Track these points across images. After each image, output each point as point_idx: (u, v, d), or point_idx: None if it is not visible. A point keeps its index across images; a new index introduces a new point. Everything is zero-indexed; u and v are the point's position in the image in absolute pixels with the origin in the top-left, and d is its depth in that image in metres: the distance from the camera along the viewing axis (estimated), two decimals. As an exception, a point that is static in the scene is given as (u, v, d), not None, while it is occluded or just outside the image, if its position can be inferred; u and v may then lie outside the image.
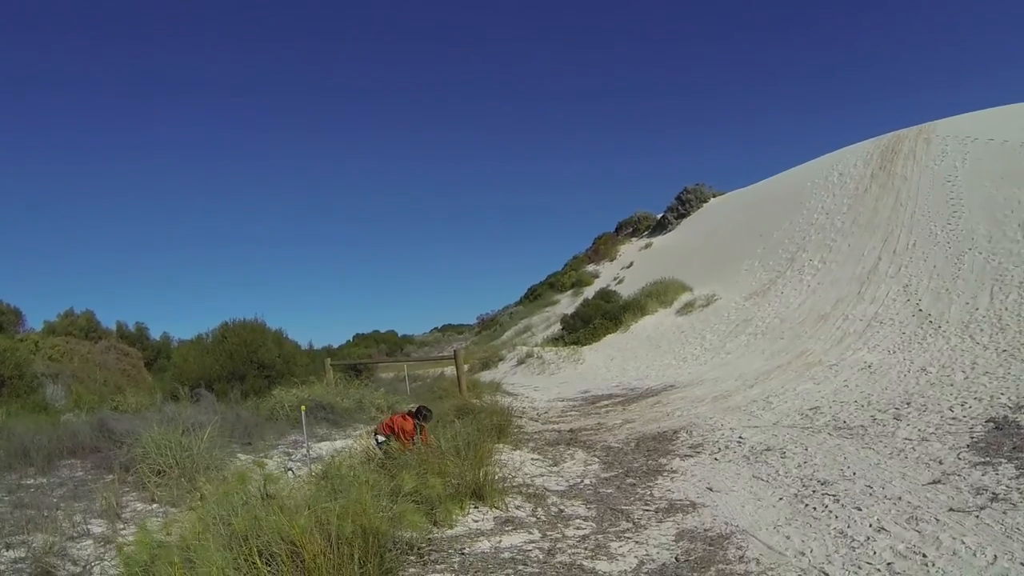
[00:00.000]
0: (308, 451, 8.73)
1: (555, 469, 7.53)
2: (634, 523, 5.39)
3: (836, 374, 10.64)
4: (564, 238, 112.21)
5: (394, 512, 4.68)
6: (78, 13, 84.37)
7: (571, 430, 9.95)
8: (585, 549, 4.81)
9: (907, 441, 6.68)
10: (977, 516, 4.59)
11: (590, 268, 35.58)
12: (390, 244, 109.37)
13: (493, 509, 5.76)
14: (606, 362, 18.29)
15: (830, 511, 5.14)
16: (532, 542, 5.01)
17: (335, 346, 31.86)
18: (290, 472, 8.01)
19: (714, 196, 34.43)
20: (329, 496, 4.66)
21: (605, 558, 4.63)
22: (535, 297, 37.12)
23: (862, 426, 7.58)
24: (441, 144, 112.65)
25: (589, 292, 29.39)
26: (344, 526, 4.10)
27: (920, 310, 12.47)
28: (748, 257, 22.12)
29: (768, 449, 7.29)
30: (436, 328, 53.36)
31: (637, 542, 4.92)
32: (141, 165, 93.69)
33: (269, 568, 3.96)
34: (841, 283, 16.08)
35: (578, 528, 5.33)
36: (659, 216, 36.39)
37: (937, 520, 4.63)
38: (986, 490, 5.05)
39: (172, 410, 9.59)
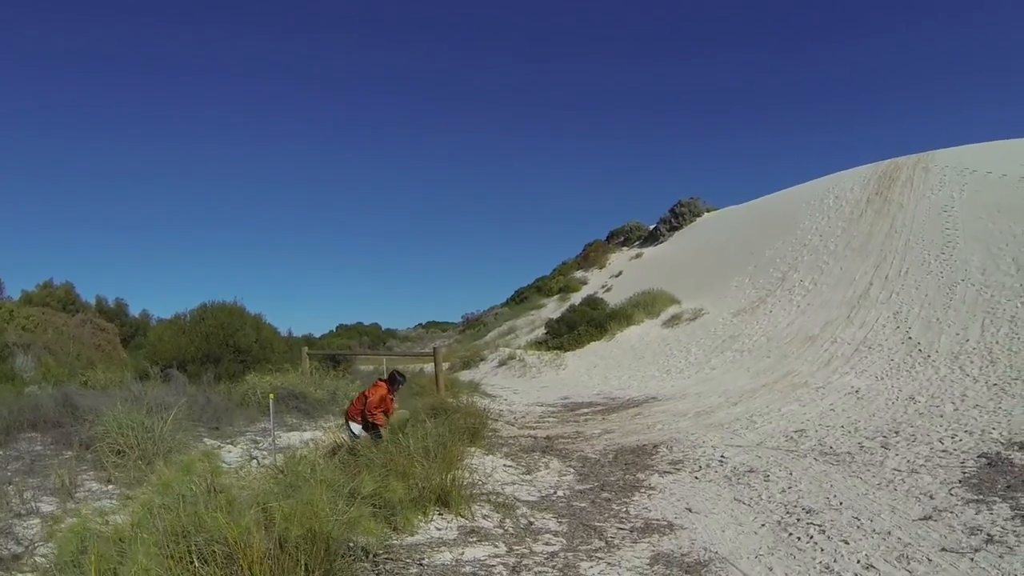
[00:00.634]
0: (274, 441, 8.36)
1: (528, 478, 7.18)
2: (607, 542, 5.05)
3: (822, 397, 10.38)
4: (554, 243, 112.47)
5: (350, 516, 4.31)
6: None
7: (548, 437, 9.61)
8: (553, 568, 4.45)
9: (896, 472, 6.39)
10: (972, 559, 4.29)
11: (579, 274, 35.39)
12: (381, 238, 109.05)
13: (458, 517, 5.40)
14: (588, 369, 17.98)
15: (815, 543, 4.82)
16: (497, 556, 4.65)
17: (317, 335, 31.38)
18: (255, 461, 7.64)
19: (708, 211, 34.35)
20: (282, 493, 4.29)
21: (574, 580, 4.29)
22: (521, 300, 36.86)
23: (849, 453, 7.29)
24: (441, 144, 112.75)
25: (576, 298, 29.16)
26: (291, 529, 3.72)
27: (910, 338, 12.26)
28: (738, 274, 21.93)
29: (751, 471, 6.99)
30: (421, 324, 53.15)
31: (609, 563, 4.58)
32: (150, 148, 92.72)
33: (206, 570, 3.59)
34: (831, 305, 15.88)
35: (547, 544, 4.98)
36: (651, 227, 36.28)
37: (930, 560, 4.33)
38: (980, 530, 4.76)
39: (139, 389, 9.19)
